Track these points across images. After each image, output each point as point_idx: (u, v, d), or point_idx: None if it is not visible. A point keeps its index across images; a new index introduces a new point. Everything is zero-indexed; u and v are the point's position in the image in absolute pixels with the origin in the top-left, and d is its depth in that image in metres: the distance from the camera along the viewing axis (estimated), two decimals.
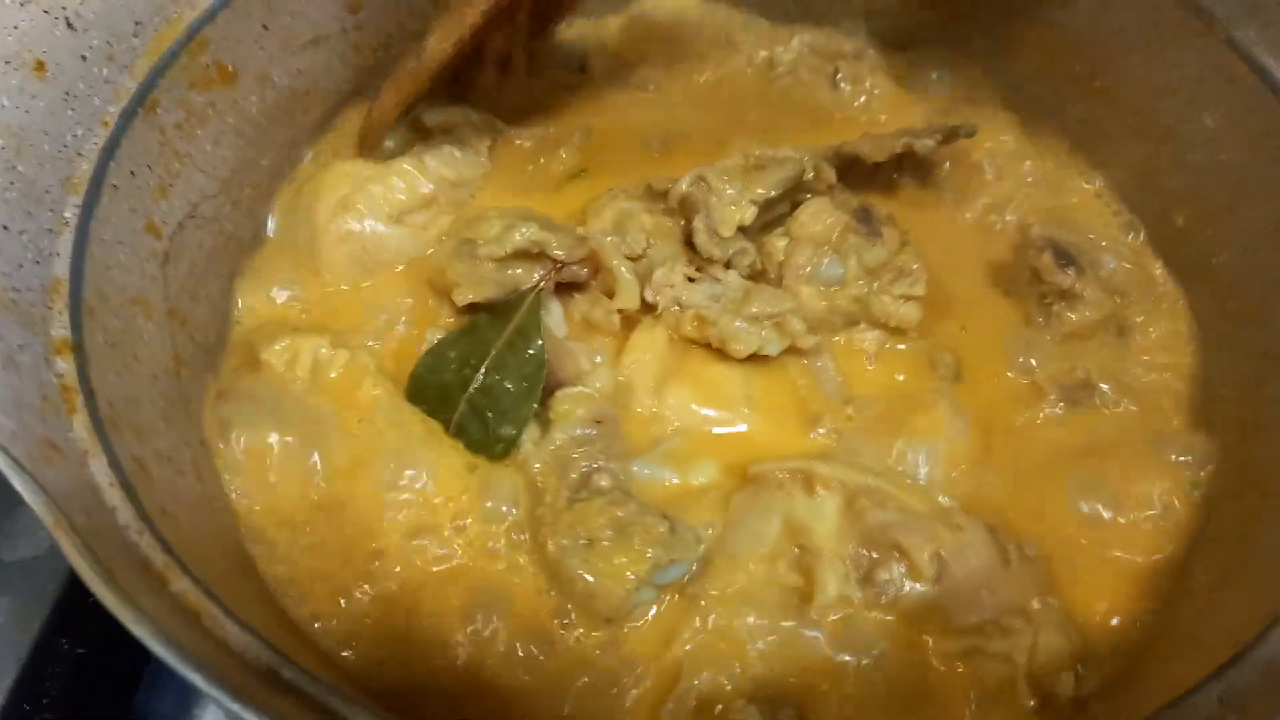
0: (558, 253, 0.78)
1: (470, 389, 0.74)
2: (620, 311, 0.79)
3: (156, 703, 0.85)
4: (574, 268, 0.79)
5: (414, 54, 0.83)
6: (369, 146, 0.89)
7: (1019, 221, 0.88)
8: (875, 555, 0.67)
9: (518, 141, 0.94)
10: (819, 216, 0.80)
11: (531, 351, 0.75)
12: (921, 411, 0.77)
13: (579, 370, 0.77)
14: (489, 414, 0.73)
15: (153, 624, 0.44)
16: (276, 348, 0.76)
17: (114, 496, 0.53)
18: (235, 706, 0.42)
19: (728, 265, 0.79)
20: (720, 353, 0.77)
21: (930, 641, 0.67)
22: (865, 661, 0.67)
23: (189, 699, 0.85)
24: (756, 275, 0.81)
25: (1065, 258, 0.81)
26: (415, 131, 0.90)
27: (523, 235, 0.78)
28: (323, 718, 0.47)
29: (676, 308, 0.78)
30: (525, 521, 0.70)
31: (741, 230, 0.80)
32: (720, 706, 0.65)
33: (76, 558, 0.46)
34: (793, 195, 0.82)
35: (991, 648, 0.66)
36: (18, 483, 0.48)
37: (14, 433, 0.50)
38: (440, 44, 0.80)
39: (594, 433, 0.72)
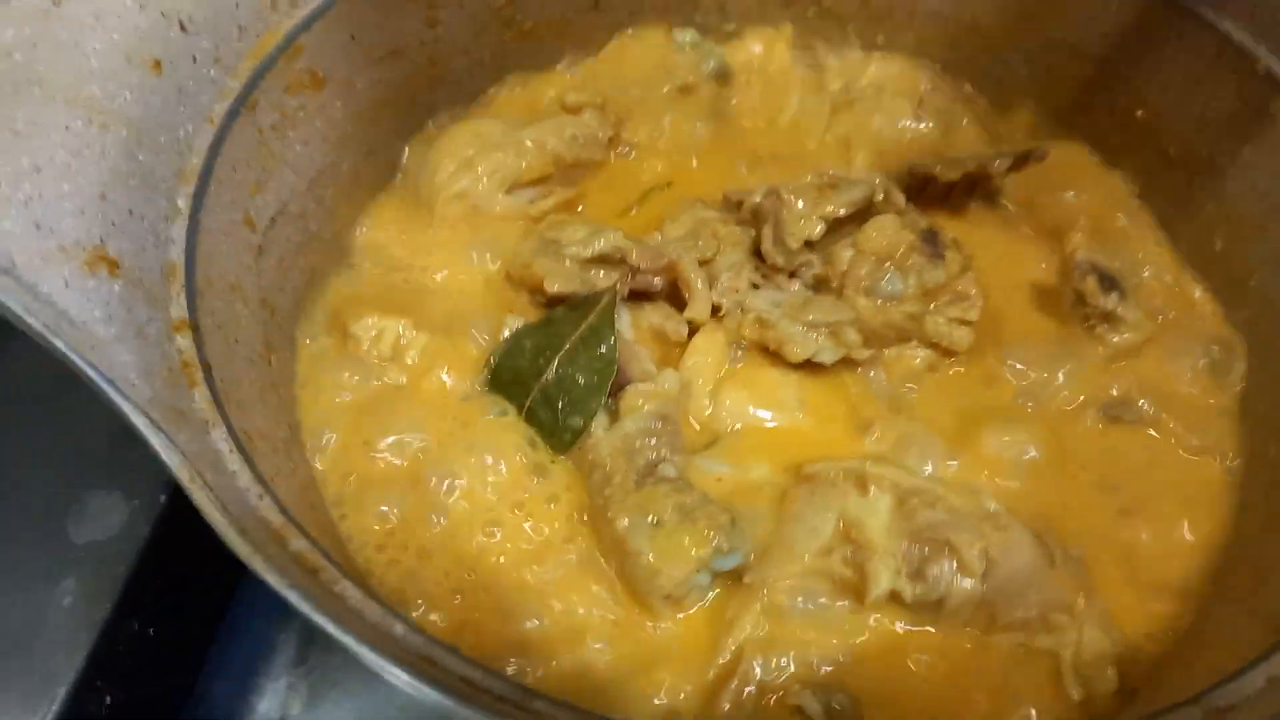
0: (638, 261, 0.83)
1: (544, 378, 0.78)
2: (690, 322, 0.83)
3: (218, 682, 0.88)
4: (650, 277, 0.83)
5: None
6: None
7: (1067, 246, 0.91)
8: (927, 551, 0.70)
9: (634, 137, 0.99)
10: (885, 231, 0.84)
11: (604, 349, 0.79)
12: (969, 424, 0.81)
13: (645, 371, 0.81)
14: (560, 403, 0.77)
15: (284, 573, 0.48)
16: (365, 323, 0.81)
17: (234, 462, 0.57)
18: (364, 651, 0.45)
19: (792, 275, 0.84)
20: (776, 359, 0.81)
21: (979, 635, 0.70)
22: (917, 653, 0.70)
23: (249, 679, 0.88)
24: (819, 286, 0.85)
25: (1109, 282, 0.85)
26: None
27: (607, 241, 0.83)
28: (433, 668, 0.50)
29: (739, 310, 0.82)
30: (590, 501, 0.74)
31: (808, 245, 0.84)
32: (779, 694, 0.68)
33: (213, 513, 0.49)
34: (862, 216, 0.86)
35: (1038, 643, 0.69)
36: (157, 443, 0.52)
37: (150, 398, 0.54)
38: None
39: (660, 426, 0.76)
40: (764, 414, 0.81)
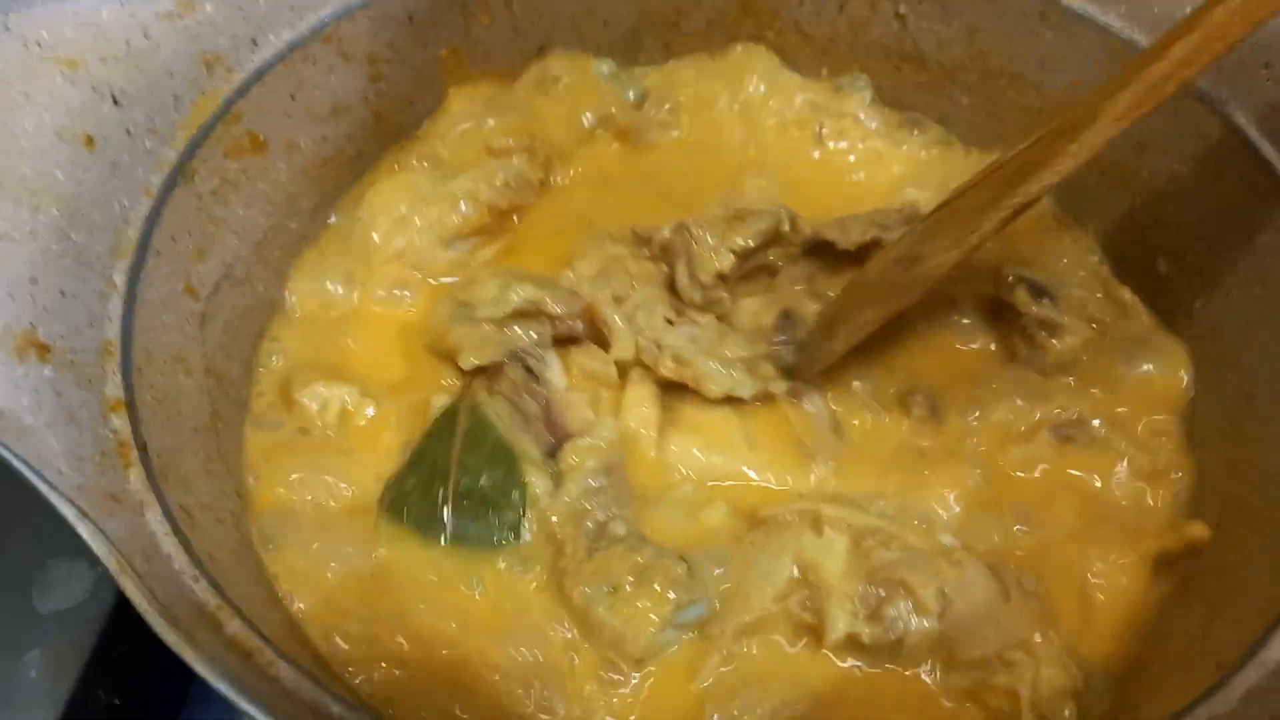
0: (554, 309, 0.82)
1: (448, 504, 0.75)
2: (617, 362, 0.83)
3: None
4: (569, 323, 0.83)
5: (896, 261, 0.78)
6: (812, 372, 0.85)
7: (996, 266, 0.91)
8: (882, 592, 0.69)
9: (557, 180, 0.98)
10: (751, 314, 0.86)
11: (492, 441, 0.77)
12: (914, 453, 0.81)
13: (584, 420, 0.81)
14: (481, 512, 0.75)
15: (214, 663, 0.47)
16: (312, 390, 0.80)
17: (169, 544, 0.57)
18: None
19: (706, 309, 0.84)
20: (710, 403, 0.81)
21: (937, 675, 0.70)
22: (877, 696, 0.70)
23: None
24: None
25: (1038, 290, 0.85)
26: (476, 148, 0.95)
27: (519, 296, 0.82)
28: None
29: (656, 349, 0.81)
30: (548, 574, 0.73)
31: (720, 277, 0.84)
32: None
33: (141, 601, 0.49)
34: (769, 245, 0.86)
35: (996, 681, 0.68)
36: (84, 531, 0.51)
37: (79, 485, 0.54)
38: (945, 255, 0.73)
39: (605, 482, 0.76)
40: (713, 456, 0.80)
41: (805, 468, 0.79)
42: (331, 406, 0.80)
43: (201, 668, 0.47)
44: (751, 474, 0.80)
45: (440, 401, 0.80)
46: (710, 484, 0.79)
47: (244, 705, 0.46)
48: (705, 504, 0.77)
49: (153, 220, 0.72)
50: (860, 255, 0.85)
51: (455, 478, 0.75)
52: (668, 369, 0.80)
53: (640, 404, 0.81)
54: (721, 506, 0.77)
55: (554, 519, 0.74)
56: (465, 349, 0.80)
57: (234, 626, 0.54)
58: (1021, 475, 0.80)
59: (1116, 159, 0.90)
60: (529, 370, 0.82)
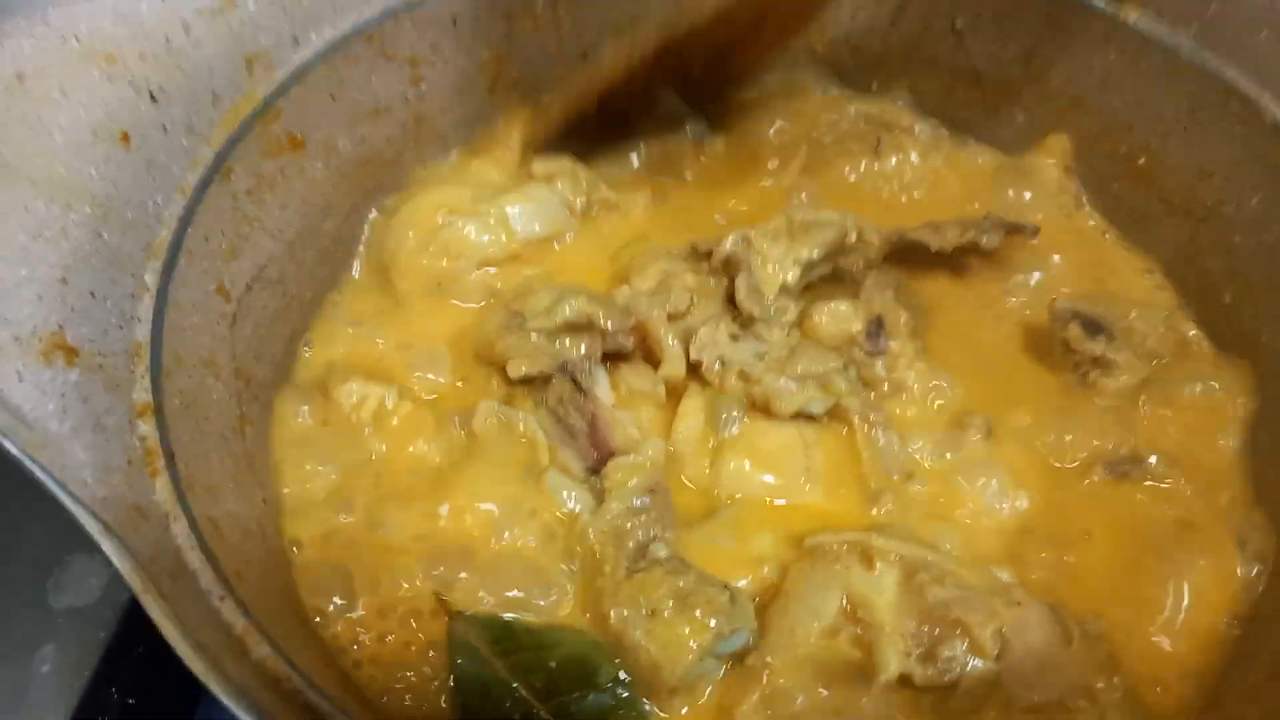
0: (606, 324, 0.79)
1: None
2: (666, 381, 0.80)
3: None
4: (620, 338, 0.80)
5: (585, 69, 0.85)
6: (532, 151, 0.93)
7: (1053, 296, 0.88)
8: (937, 632, 0.66)
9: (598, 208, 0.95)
10: (836, 318, 0.82)
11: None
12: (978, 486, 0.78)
13: (629, 439, 0.78)
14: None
15: (241, 692, 0.45)
16: (348, 388, 0.79)
17: (195, 559, 0.55)
18: None
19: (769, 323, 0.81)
20: (776, 420, 0.78)
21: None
22: None
23: None
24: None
25: (1093, 326, 0.82)
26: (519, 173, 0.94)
27: (571, 308, 0.79)
28: None
29: (720, 365, 0.79)
30: (584, 593, 0.71)
31: (784, 290, 0.82)
32: None
33: (166, 625, 0.47)
34: (835, 257, 0.84)
35: None
36: (108, 547, 0.49)
37: (104, 498, 0.52)
38: (613, 62, 0.81)
39: (648, 502, 0.73)
40: (768, 480, 0.77)
41: (865, 508, 0.76)
42: (369, 404, 0.78)
43: (228, 698, 0.45)
44: (806, 503, 0.77)
45: (487, 408, 0.78)
46: (760, 511, 0.76)
47: None
48: (753, 531, 0.74)
49: (187, 220, 0.70)
50: (954, 259, 0.82)
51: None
52: (734, 386, 0.78)
53: (693, 417, 0.78)
54: (769, 535, 0.74)
55: (593, 537, 0.72)
56: (514, 358, 0.78)
57: (261, 651, 0.52)
58: (1076, 507, 0.77)
59: (1181, 184, 0.87)
60: (577, 384, 0.79)
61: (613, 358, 0.82)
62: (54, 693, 0.72)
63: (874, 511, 0.76)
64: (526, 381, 0.79)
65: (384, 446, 0.78)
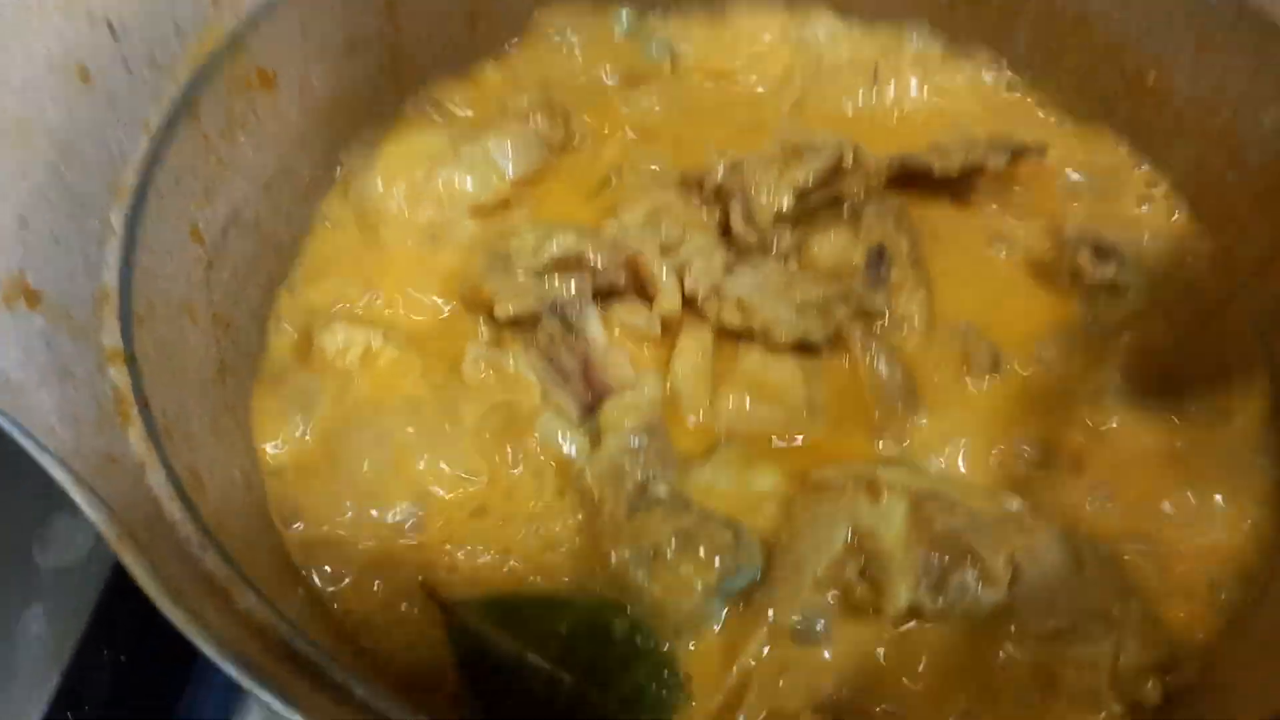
0: (595, 260, 0.77)
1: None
2: (661, 317, 0.77)
3: (198, 710, 0.83)
4: (611, 274, 0.78)
5: None
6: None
7: (1063, 221, 0.86)
8: (947, 560, 0.64)
9: (578, 137, 0.92)
10: (834, 247, 0.80)
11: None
12: (982, 413, 0.76)
13: (624, 377, 0.76)
14: None
15: (224, 642, 0.43)
16: (332, 334, 0.76)
17: (174, 510, 0.52)
18: None
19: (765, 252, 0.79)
20: (776, 353, 0.75)
21: (1006, 649, 0.65)
22: (935, 671, 0.65)
23: (230, 707, 0.84)
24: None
25: (1104, 251, 0.80)
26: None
27: (559, 245, 0.76)
28: None
29: (716, 298, 0.76)
30: (584, 534, 0.69)
31: (779, 218, 0.79)
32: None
33: (143, 576, 0.44)
34: (832, 182, 0.80)
35: (1071, 654, 0.64)
36: (79, 498, 0.47)
37: (74, 447, 0.49)
38: None
39: (646, 442, 0.71)
40: (769, 415, 0.75)
41: (869, 441, 0.74)
42: (354, 349, 0.76)
43: (209, 648, 0.42)
44: (809, 437, 0.74)
45: (475, 352, 0.76)
46: (762, 447, 0.74)
47: (257, 691, 0.42)
48: (755, 468, 0.72)
49: (154, 160, 0.67)
50: (959, 184, 0.80)
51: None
52: (730, 317, 0.75)
53: (692, 354, 0.75)
54: (773, 471, 0.72)
55: (590, 478, 0.69)
56: (501, 299, 0.75)
57: (247, 600, 0.49)
58: (1088, 433, 0.75)
59: (1191, 101, 0.84)
60: (567, 323, 0.77)
61: (604, 295, 0.79)
62: (44, 654, 0.71)
63: (879, 445, 0.74)
64: (515, 323, 0.77)
65: (369, 391, 0.76)
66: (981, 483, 0.72)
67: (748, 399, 0.75)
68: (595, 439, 0.72)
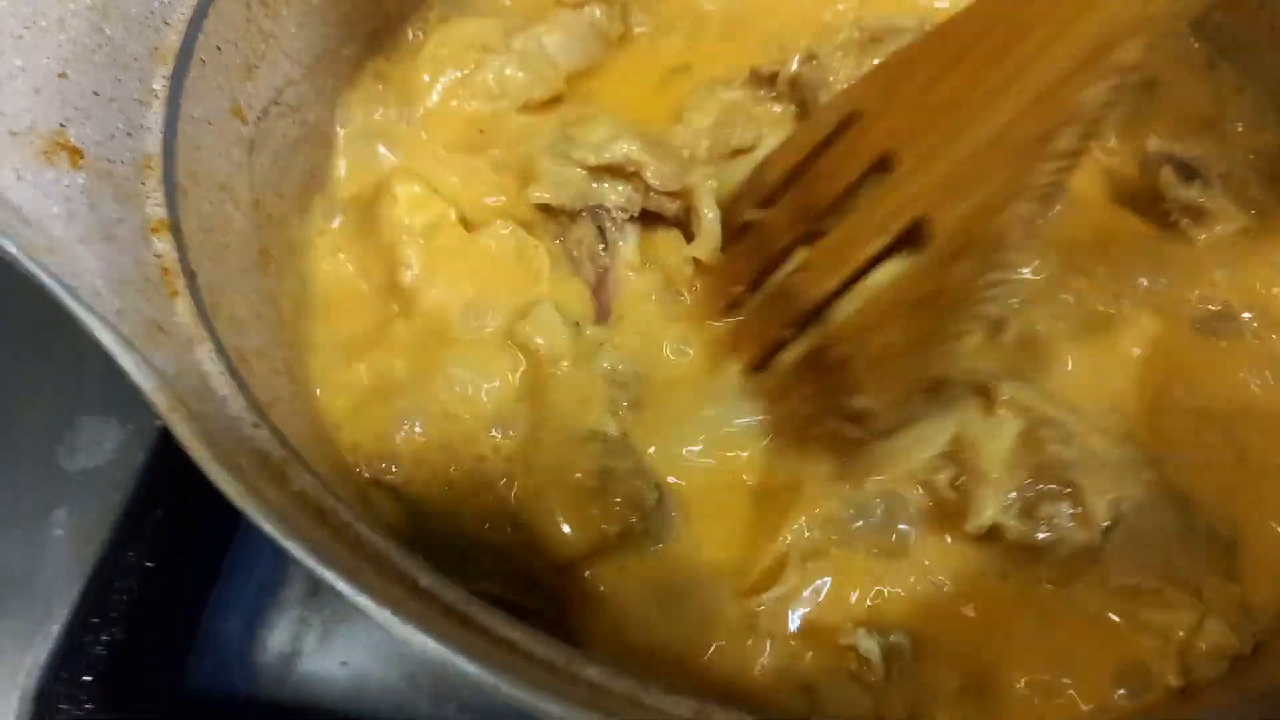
0: (651, 179, 0.72)
1: None
2: (695, 261, 0.73)
3: (225, 618, 0.82)
4: (664, 200, 0.73)
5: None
6: None
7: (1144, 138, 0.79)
8: (1044, 488, 0.60)
9: (637, 29, 0.87)
10: None
11: None
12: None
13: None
14: None
15: (285, 520, 0.40)
16: (408, 188, 0.73)
17: (224, 385, 0.48)
18: (384, 615, 0.38)
19: None
20: None
21: (1073, 594, 0.61)
22: (995, 597, 0.62)
23: (258, 617, 0.82)
24: None
25: (1188, 171, 0.75)
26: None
27: (622, 149, 0.72)
28: (467, 630, 0.42)
29: None
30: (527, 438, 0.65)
31: None
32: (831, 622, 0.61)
33: (195, 445, 0.41)
34: None
35: (1146, 616, 0.60)
36: (128, 363, 0.43)
37: (119, 309, 0.45)
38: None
39: (630, 377, 0.68)
40: None
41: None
42: (424, 213, 0.72)
43: (271, 525, 0.39)
44: None
45: (503, 223, 0.72)
46: None
47: (322, 571, 0.38)
48: None
49: (196, 24, 0.62)
50: None
51: None
52: None
53: None
54: None
55: (556, 386, 0.66)
56: (542, 182, 0.71)
57: (302, 480, 0.46)
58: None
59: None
60: (602, 233, 0.73)
61: (650, 217, 0.75)
62: (69, 557, 0.70)
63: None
64: (545, 210, 0.73)
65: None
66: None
67: None
68: (585, 350, 0.68)
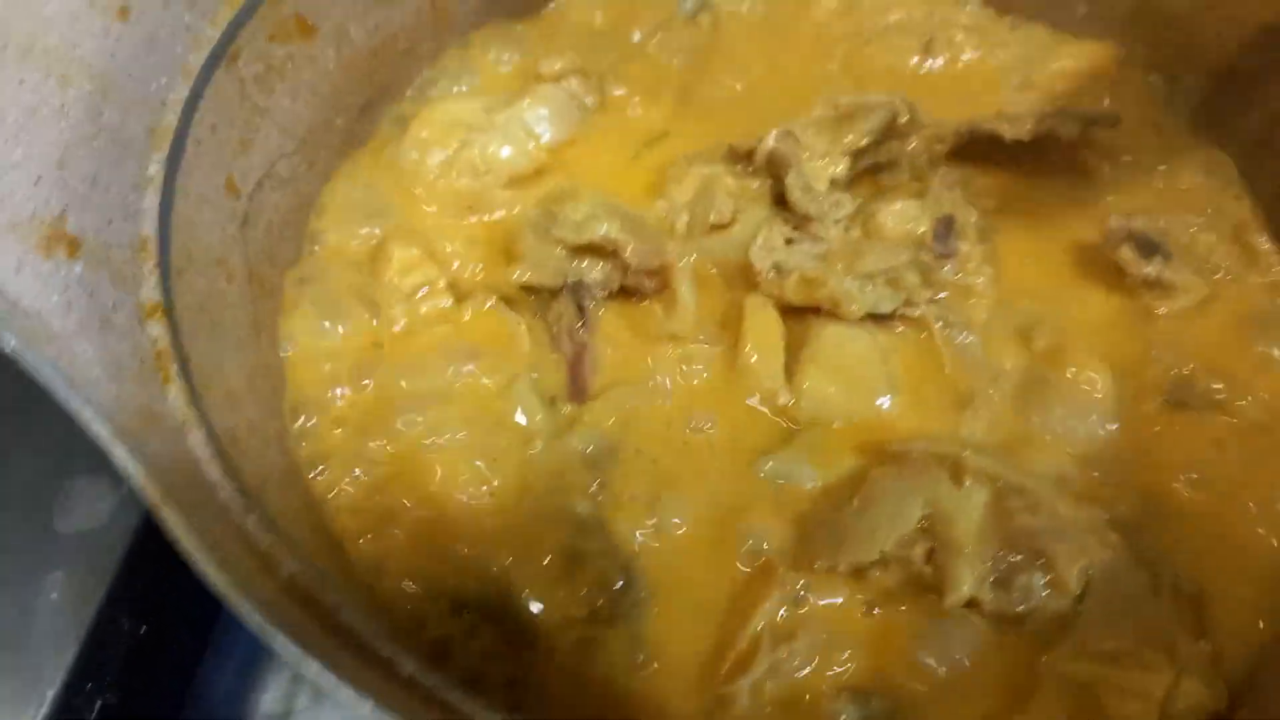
0: (630, 258, 0.74)
1: None
2: (670, 335, 0.75)
3: (217, 680, 0.82)
4: (642, 278, 0.75)
5: None
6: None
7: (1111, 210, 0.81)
8: (1017, 559, 0.62)
9: (617, 93, 0.89)
10: (902, 218, 0.76)
11: None
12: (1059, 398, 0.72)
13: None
14: None
15: (272, 610, 0.41)
16: (407, 250, 0.75)
17: (214, 471, 0.50)
18: (373, 706, 0.39)
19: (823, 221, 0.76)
20: (849, 327, 0.72)
21: (1053, 661, 0.62)
22: (974, 671, 0.62)
23: (250, 677, 0.83)
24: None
25: (1148, 247, 0.76)
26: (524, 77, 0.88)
27: (602, 230, 0.74)
28: (446, 712, 0.43)
29: (776, 273, 0.73)
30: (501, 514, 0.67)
31: (834, 185, 0.76)
32: (808, 695, 0.61)
33: (187, 539, 0.42)
34: (887, 142, 0.78)
35: (1123, 680, 0.60)
36: (119, 454, 0.45)
37: (115, 398, 0.47)
38: None
39: (601, 456, 0.70)
40: (848, 395, 0.71)
41: (957, 414, 0.71)
42: (415, 276, 0.74)
43: (258, 618, 0.40)
44: (890, 414, 0.71)
45: (487, 298, 0.74)
46: (844, 430, 0.70)
47: (305, 660, 0.40)
48: (840, 454, 0.69)
49: (192, 104, 0.64)
50: (1031, 150, 0.76)
51: None
52: (797, 294, 0.72)
53: (763, 333, 0.72)
54: (853, 456, 0.69)
55: (532, 466, 0.68)
56: (524, 262, 0.73)
57: (290, 567, 0.47)
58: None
59: (1257, 77, 0.81)
60: (580, 310, 0.75)
61: (630, 293, 0.76)
62: (63, 620, 0.69)
63: (966, 415, 0.70)
64: (526, 288, 0.75)
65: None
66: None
67: (825, 377, 0.71)
68: (561, 426, 0.70)
